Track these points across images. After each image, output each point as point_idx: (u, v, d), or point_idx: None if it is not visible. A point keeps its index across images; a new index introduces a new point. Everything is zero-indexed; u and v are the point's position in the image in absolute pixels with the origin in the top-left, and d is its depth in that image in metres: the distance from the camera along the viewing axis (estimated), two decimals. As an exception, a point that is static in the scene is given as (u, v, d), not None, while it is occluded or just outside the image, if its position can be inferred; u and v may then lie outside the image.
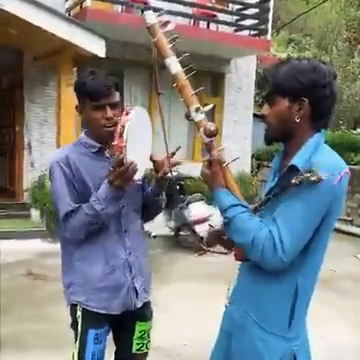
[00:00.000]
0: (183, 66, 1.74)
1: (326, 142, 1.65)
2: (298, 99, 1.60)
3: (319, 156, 1.56)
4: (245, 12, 10.20)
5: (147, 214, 2.35)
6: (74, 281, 2.14)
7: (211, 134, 1.67)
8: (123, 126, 1.85)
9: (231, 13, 10.29)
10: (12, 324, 4.10)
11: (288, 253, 1.53)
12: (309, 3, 18.86)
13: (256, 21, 10.13)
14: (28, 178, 8.62)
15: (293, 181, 1.51)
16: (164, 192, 2.29)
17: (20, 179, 8.83)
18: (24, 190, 8.69)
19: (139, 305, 2.19)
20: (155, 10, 1.76)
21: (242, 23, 10.18)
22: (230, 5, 10.43)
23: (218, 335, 1.88)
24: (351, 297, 5.45)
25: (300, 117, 1.61)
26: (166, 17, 1.73)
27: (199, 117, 1.70)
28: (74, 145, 2.18)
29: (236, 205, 1.66)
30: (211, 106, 1.77)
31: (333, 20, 18.72)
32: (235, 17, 10.32)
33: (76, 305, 2.15)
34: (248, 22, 10.13)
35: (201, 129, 1.70)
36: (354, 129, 14.13)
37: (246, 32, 10.14)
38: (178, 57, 1.70)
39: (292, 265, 1.58)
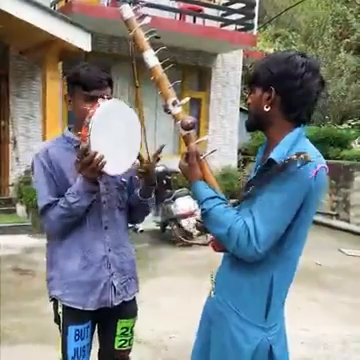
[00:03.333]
0: (161, 59, 1.75)
1: (311, 137, 1.68)
2: (268, 88, 1.65)
3: (296, 151, 1.57)
4: (231, 7, 10.21)
5: (134, 216, 2.33)
6: (54, 275, 2.15)
7: (188, 127, 1.70)
8: (90, 116, 1.83)
9: (217, 8, 10.29)
10: (-2, 319, 4.11)
11: (262, 244, 1.56)
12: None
13: (242, 16, 10.14)
14: (14, 173, 8.60)
15: (281, 163, 1.53)
16: (152, 195, 2.23)
17: (6, 174, 8.77)
18: (10, 185, 8.66)
19: (117, 303, 2.16)
20: (136, 3, 1.76)
21: (228, 18, 10.18)
22: (216, 0, 10.44)
23: (200, 322, 1.93)
24: (338, 291, 5.50)
25: (269, 106, 1.65)
26: (144, 10, 1.74)
27: (176, 110, 1.72)
28: (57, 140, 2.17)
29: (213, 197, 1.68)
30: (187, 100, 1.79)
31: (319, 15, 18.82)
32: (221, 12, 10.33)
33: (57, 300, 2.14)
34: (234, 17, 10.14)
35: (178, 122, 1.72)
36: (340, 124, 14.24)
37: (232, 27, 10.15)
38: (156, 50, 1.71)
39: (267, 258, 1.62)
